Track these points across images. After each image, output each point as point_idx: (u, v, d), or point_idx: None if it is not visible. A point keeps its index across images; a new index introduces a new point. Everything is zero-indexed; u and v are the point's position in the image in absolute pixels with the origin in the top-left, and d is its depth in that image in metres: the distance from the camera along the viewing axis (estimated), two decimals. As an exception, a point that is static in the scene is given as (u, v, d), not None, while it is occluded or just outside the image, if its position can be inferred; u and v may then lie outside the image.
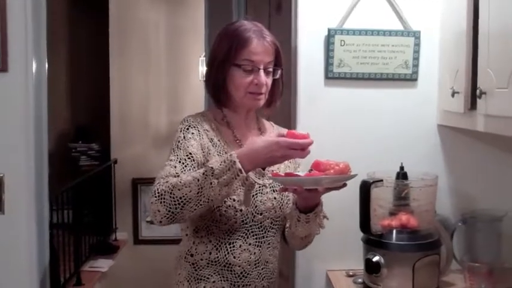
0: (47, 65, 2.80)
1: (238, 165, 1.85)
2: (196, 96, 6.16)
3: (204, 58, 5.63)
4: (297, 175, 2.02)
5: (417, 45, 2.68)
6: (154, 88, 6.49)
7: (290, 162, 2.27)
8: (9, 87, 2.59)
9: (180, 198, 1.88)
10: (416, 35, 2.68)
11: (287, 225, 2.24)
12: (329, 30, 2.66)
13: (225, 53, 2.10)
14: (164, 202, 1.90)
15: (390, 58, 2.68)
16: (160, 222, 1.93)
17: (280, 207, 2.18)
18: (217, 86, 2.15)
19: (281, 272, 2.53)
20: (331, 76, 2.68)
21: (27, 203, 2.63)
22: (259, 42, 2.10)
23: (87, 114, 6.75)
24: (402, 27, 2.69)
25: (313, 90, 2.68)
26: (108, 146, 6.45)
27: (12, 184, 2.61)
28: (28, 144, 2.62)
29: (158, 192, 1.92)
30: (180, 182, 1.90)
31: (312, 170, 1.98)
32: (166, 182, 1.94)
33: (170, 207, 1.90)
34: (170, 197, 1.90)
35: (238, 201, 2.06)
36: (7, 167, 2.60)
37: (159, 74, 6.51)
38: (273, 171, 2.15)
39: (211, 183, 1.86)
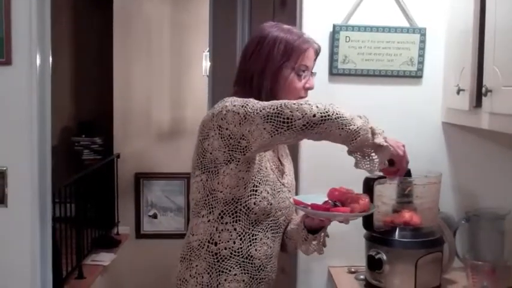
0: (51, 59, 2.80)
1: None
2: (199, 91, 6.17)
3: (208, 53, 5.62)
4: (324, 207, 2.07)
5: (422, 42, 2.67)
6: (157, 83, 6.50)
7: (291, 162, 2.36)
8: (13, 80, 2.59)
9: (335, 110, 1.86)
10: (422, 32, 2.67)
11: (288, 230, 2.29)
12: (334, 26, 2.65)
13: (284, 57, 2.14)
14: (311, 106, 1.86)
15: (395, 55, 2.68)
16: (314, 116, 1.84)
17: (292, 207, 2.24)
18: (264, 87, 2.15)
19: (283, 268, 2.53)
20: (336, 72, 2.68)
21: (30, 196, 2.63)
22: (313, 49, 2.20)
23: (90, 108, 6.77)
24: (408, 24, 2.69)
25: (317, 86, 2.64)
26: (111, 140, 6.47)
27: (15, 177, 2.61)
28: (31, 138, 2.62)
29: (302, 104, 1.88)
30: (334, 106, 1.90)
31: (336, 202, 2.08)
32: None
33: (320, 109, 1.85)
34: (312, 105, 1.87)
35: (271, 194, 2.11)
36: (10, 161, 2.60)
37: (162, 69, 6.51)
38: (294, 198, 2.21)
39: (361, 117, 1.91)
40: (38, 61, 2.64)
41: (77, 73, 6.87)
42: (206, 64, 5.88)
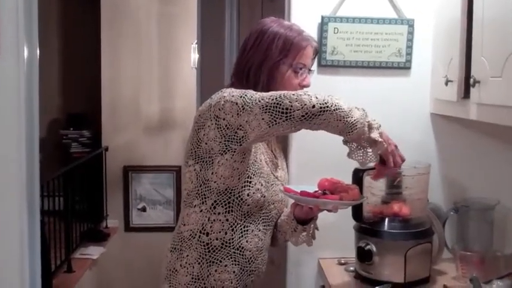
0: (38, 51, 2.78)
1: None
2: (187, 83, 6.16)
3: (196, 45, 5.61)
4: (313, 195, 2.11)
5: (411, 33, 2.67)
6: (145, 75, 6.46)
7: (283, 157, 2.37)
8: (0, 73, 2.57)
9: (334, 102, 1.88)
10: (410, 23, 2.67)
11: (278, 222, 2.30)
12: (322, 17, 2.65)
13: (282, 54, 2.16)
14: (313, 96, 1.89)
15: (384, 46, 2.68)
16: (313, 107, 1.86)
17: (284, 201, 2.27)
18: (261, 81, 2.16)
19: (273, 260, 2.53)
20: (324, 64, 2.68)
21: (17, 189, 2.61)
22: (312, 47, 2.22)
23: (78, 101, 6.74)
24: (396, 15, 2.69)
25: (306, 78, 2.66)
26: (100, 133, 6.43)
27: (3, 171, 2.59)
28: (19, 131, 2.60)
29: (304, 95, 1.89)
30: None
31: (325, 191, 2.12)
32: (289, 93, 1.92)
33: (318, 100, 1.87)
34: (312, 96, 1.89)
35: (265, 186, 2.12)
36: (-3, 154, 2.58)
37: (151, 61, 6.47)
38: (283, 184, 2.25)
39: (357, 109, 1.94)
40: (25, 53, 2.62)
41: (65, 66, 6.84)
42: (194, 56, 5.86)
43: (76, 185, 5.38)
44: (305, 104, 1.86)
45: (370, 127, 1.93)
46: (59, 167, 5.14)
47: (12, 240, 2.62)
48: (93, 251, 5.40)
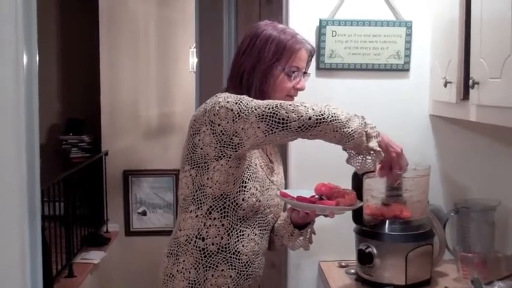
0: (37, 58, 2.78)
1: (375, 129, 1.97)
2: (186, 87, 6.16)
3: (195, 50, 5.61)
4: (310, 200, 2.12)
5: (409, 35, 2.67)
6: (144, 80, 6.47)
7: (280, 162, 2.36)
8: (0, 79, 2.57)
9: (331, 113, 1.88)
10: (408, 25, 2.67)
11: (275, 226, 2.30)
12: (320, 20, 2.65)
13: (275, 57, 2.15)
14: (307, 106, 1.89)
15: (382, 48, 2.68)
16: (310, 119, 1.87)
17: (281, 205, 2.27)
18: (254, 85, 2.16)
19: (273, 263, 2.53)
20: (323, 67, 2.68)
21: (18, 195, 2.61)
22: (306, 50, 2.21)
23: (78, 106, 6.75)
24: (394, 17, 2.69)
25: (305, 81, 2.67)
26: (99, 138, 6.44)
27: (3, 177, 2.59)
28: (19, 137, 2.59)
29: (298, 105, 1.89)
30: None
31: (322, 196, 2.13)
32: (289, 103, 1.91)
33: (313, 110, 1.88)
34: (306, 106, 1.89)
35: (260, 191, 2.11)
36: (-2, 160, 2.58)
37: (149, 66, 6.48)
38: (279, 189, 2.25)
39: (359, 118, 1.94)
40: (25, 60, 2.62)
41: (64, 71, 6.85)
42: (193, 60, 5.87)
43: (76, 190, 5.39)
44: (301, 116, 1.86)
45: (368, 136, 1.92)
46: (59, 172, 5.14)
47: (13, 246, 2.62)
48: (94, 256, 5.40)
